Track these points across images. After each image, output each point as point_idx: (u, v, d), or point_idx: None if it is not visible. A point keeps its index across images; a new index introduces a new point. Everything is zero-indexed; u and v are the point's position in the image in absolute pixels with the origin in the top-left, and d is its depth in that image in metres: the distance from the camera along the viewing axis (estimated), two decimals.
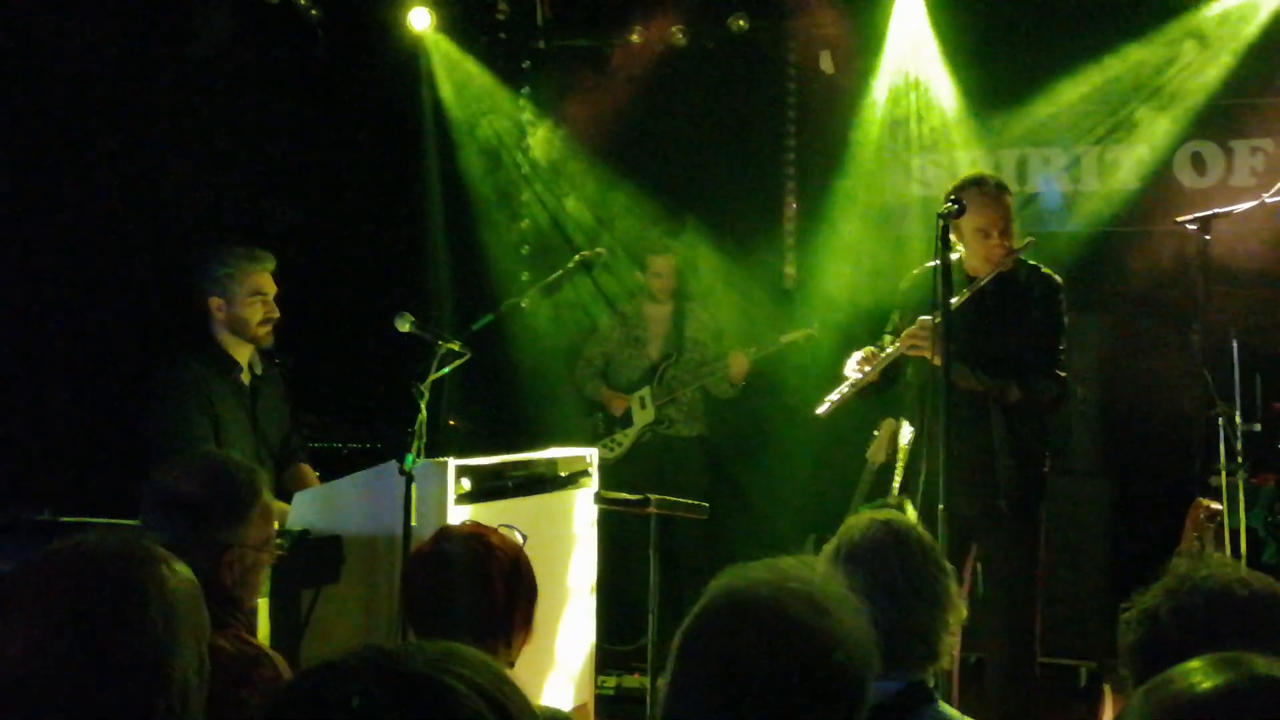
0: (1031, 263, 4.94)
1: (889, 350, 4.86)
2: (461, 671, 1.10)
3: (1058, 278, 4.93)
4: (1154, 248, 6.88)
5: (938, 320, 4.39)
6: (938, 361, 4.49)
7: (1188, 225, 5.37)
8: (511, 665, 2.84)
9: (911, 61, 7.32)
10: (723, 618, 1.72)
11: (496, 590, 2.77)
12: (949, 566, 2.67)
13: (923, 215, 5.55)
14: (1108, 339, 6.93)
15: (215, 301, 4.73)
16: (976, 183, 4.86)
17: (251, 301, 4.73)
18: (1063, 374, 4.87)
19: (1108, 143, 7.12)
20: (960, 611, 2.64)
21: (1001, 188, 4.89)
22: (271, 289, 4.79)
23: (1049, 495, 4.96)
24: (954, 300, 4.55)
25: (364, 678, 1.07)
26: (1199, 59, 6.82)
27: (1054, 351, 4.85)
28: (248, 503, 2.83)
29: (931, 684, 2.54)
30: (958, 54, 7.22)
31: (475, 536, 2.87)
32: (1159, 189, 7.01)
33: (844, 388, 4.92)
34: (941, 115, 7.33)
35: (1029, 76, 7.15)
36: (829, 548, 2.66)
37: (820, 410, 5.04)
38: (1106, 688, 5.69)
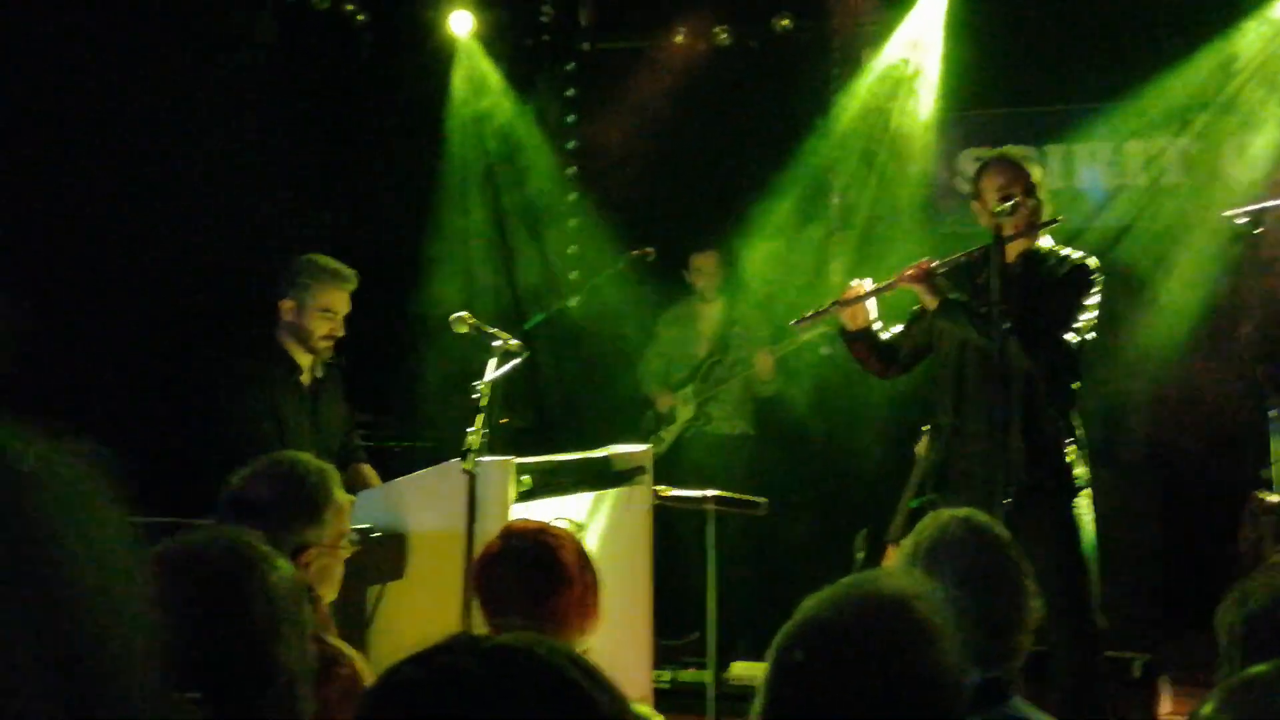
0: (1066, 249, 4.90)
1: (883, 283, 4.87)
2: (544, 642, 1.14)
3: (1091, 259, 4.82)
4: (1203, 241, 6.87)
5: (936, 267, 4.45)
6: (929, 302, 4.60)
7: (1237, 218, 5.37)
8: (587, 652, 2.91)
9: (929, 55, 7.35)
10: (814, 646, 1.71)
11: (570, 579, 2.85)
12: (1027, 566, 2.69)
13: (966, 212, 5.57)
14: (1157, 332, 6.92)
15: (287, 304, 4.81)
16: (998, 154, 4.91)
17: (321, 316, 4.80)
18: (1072, 342, 4.66)
19: (1154, 136, 7.10)
20: (1037, 611, 2.65)
21: (1024, 156, 4.89)
22: (344, 309, 4.86)
23: (1091, 486, 4.84)
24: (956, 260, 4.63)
25: (455, 656, 1.11)
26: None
27: (1064, 320, 4.67)
28: (321, 503, 2.89)
29: (1008, 680, 2.56)
30: (1000, 48, 7.23)
31: (541, 530, 2.95)
32: (1206, 182, 6.99)
33: (826, 306, 4.95)
34: (977, 112, 7.36)
35: (1074, 70, 7.15)
36: (907, 544, 2.69)
37: (795, 324, 5.13)
38: (1161, 680, 5.70)
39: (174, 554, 1.79)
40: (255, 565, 1.78)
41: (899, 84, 7.46)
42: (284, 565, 1.85)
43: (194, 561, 1.77)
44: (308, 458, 2.99)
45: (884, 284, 4.89)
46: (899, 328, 4.99)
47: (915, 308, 4.89)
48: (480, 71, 7.78)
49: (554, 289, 7.59)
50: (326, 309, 4.82)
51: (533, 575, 2.85)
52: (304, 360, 4.88)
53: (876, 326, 4.93)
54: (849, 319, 4.91)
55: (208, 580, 1.74)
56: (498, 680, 1.07)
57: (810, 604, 1.77)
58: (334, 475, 2.96)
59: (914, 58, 7.41)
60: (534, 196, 8.05)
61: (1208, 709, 1.32)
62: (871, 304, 4.89)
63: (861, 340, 4.93)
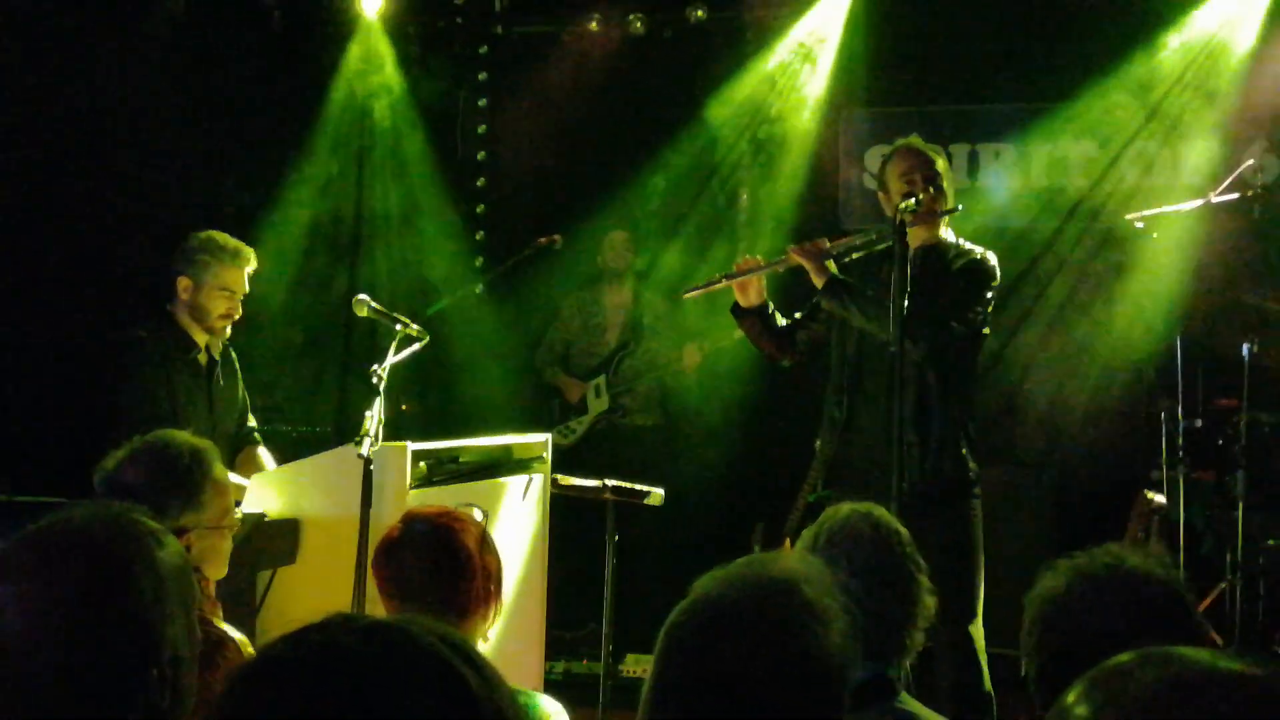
0: (967, 245, 4.93)
1: (774, 259, 4.90)
2: (419, 623, 1.14)
3: (990, 255, 4.84)
4: (1103, 243, 6.99)
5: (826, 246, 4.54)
6: (817, 280, 4.67)
7: (1136, 222, 5.47)
8: (487, 640, 2.88)
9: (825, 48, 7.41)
10: (705, 623, 1.73)
11: (472, 566, 2.81)
12: (923, 564, 2.72)
13: (875, 208, 5.60)
14: (1051, 332, 7.04)
15: (184, 282, 4.71)
16: (903, 144, 4.95)
17: (219, 294, 4.72)
18: (956, 330, 4.67)
19: (1058, 138, 7.21)
20: (930, 609, 2.68)
21: (929, 146, 4.93)
22: (242, 288, 4.78)
23: (980, 483, 4.87)
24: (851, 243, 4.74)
25: (335, 631, 1.10)
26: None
27: (953, 310, 4.70)
28: (197, 483, 2.84)
29: (896, 676, 2.58)
30: (908, 45, 7.29)
31: (444, 514, 2.91)
32: (1107, 186, 7.10)
33: (717, 278, 4.98)
34: (888, 109, 7.42)
35: (979, 70, 7.24)
36: (808, 533, 2.70)
37: (685, 293, 5.17)
38: None
39: (57, 529, 1.74)
40: (142, 540, 1.75)
41: (790, 76, 7.51)
42: (171, 542, 1.81)
43: (78, 537, 1.73)
44: (183, 436, 2.92)
45: (774, 260, 4.91)
46: (799, 315, 5.01)
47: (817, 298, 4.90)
48: (375, 51, 7.67)
49: (458, 275, 7.51)
50: (225, 287, 4.73)
51: (434, 562, 2.81)
52: (201, 339, 4.79)
53: (772, 310, 4.96)
54: (740, 295, 4.92)
55: (92, 556, 1.71)
56: (371, 657, 1.08)
57: (703, 582, 1.79)
58: (211, 453, 2.90)
59: (811, 50, 7.46)
60: (440, 180, 7.96)
61: (1070, 698, 1.33)
62: (763, 285, 4.91)
63: (754, 318, 4.94)
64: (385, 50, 7.68)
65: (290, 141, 7.52)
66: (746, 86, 7.65)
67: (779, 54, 7.54)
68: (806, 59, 7.50)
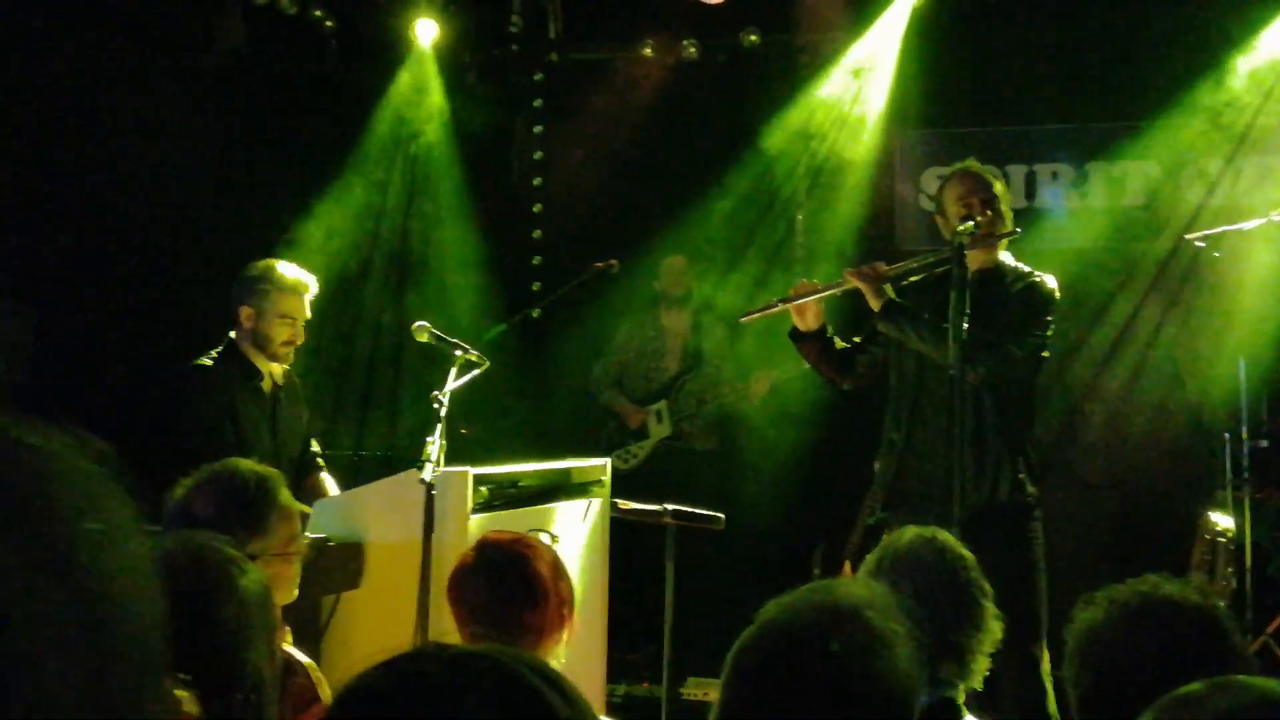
0: (1027, 268, 4.92)
1: (832, 283, 4.91)
2: (508, 652, 1.15)
3: (1050, 279, 4.83)
4: (1165, 263, 6.92)
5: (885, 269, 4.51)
6: (874, 303, 4.67)
7: (1197, 241, 5.43)
8: (560, 661, 2.90)
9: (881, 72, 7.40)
10: (771, 650, 1.74)
11: (545, 592, 2.83)
12: (989, 588, 2.70)
13: (932, 230, 5.59)
14: (1112, 353, 6.98)
15: (246, 311, 4.77)
16: (960, 168, 4.94)
17: (281, 322, 4.77)
18: (1015, 354, 4.67)
19: (1117, 159, 7.16)
20: (996, 634, 2.66)
21: (986, 170, 4.92)
22: (304, 315, 4.83)
23: (1040, 505, 4.85)
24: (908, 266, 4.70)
25: (420, 664, 1.12)
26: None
27: (1012, 333, 4.68)
28: (264, 513, 2.87)
29: (961, 700, 2.57)
30: (963, 67, 7.27)
31: (517, 541, 2.93)
32: (1167, 205, 7.04)
33: (774, 302, 4.99)
34: (943, 130, 7.40)
35: (1035, 90, 7.21)
36: (871, 559, 2.70)
37: (743, 319, 5.20)
38: None
39: None
40: (225, 569, 1.79)
41: (844, 99, 7.50)
42: (253, 570, 1.86)
43: (164, 565, 1.76)
44: (248, 465, 2.95)
45: (832, 284, 4.91)
46: (858, 338, 5.01)
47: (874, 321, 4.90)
48: (427, 79, 7.73)
49: (516, 300, 7.56)
50: (286, 314, 4.79)
51: (508, 589, 2.83)
52: (265, 366, 4.85)
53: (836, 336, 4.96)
54: (798, 318, 4.91)
55: (179, 583, 1.74)
56: (460, 686, 1.09)
57: (768, 609, 1.80)
58: (276, 480, 2.93)
59: (868, 74, 7.45)
60: (498, 206, 8.01)
61: None
62: (821, 309, 4.91)
63: (811, 343, 4.94)
64: (436, 78, 7.75)
65: (343, 169, 7.60)
66: (801, 110, 7.65)
67: (833, 77, 7.54)
68: (861, 82, 7.49)
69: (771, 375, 7.08)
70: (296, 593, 2.97)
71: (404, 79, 7.70)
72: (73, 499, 0.94)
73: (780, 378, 7.08)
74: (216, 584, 1.75)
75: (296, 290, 4.80)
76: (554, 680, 1.14)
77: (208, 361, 4.77)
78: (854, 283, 4.78)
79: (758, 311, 5.06)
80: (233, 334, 4.84)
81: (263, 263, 4.88)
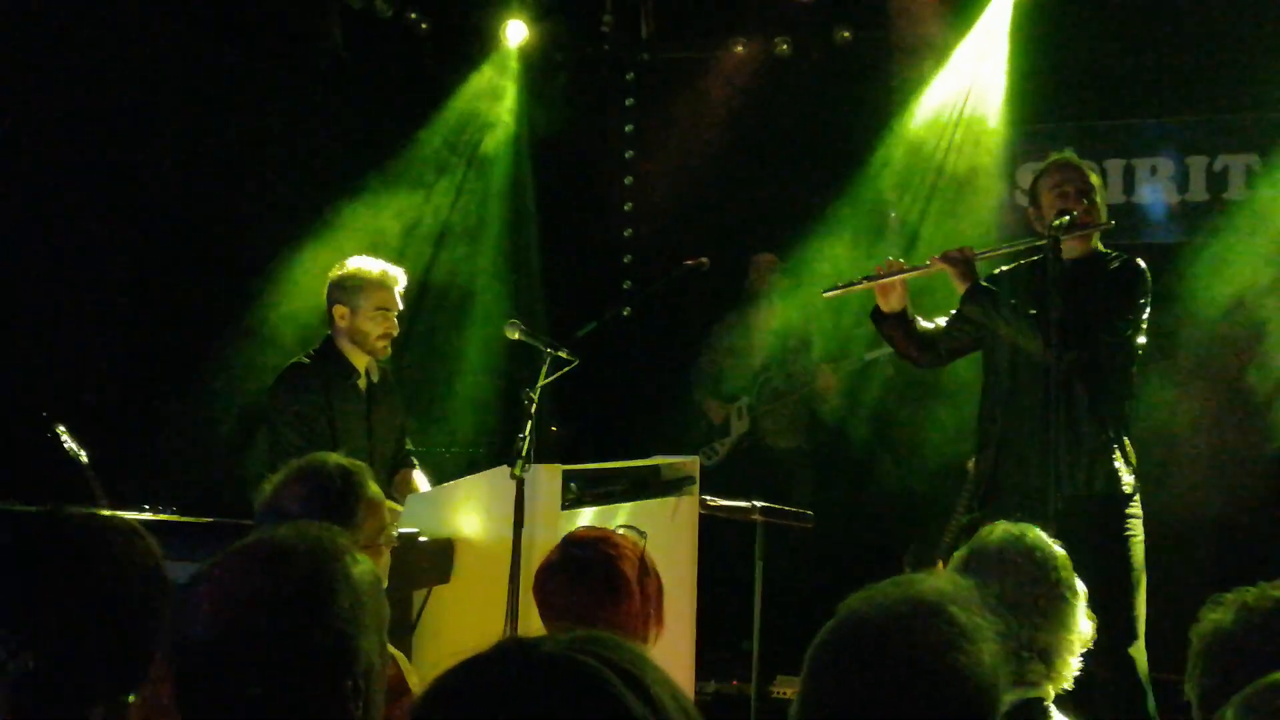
0: (1119, 254, 4.83)
1: (920, 263, 4.84)
2: (595, 650, 1.17)
3: (1140, 260, 4.74)
4: (1266, 258, 6.76)
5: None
6: (959, 285, 4.62)
7: None
8: None
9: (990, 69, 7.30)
10: (852, 643, 1.73)
11: (631, 588, 2.84)
12: (1081, 588, 2.66)
13: (1026, 226, 5.51)
14: (1217, 351, 6.82)
15: (340, 310, 4.84)
16: (1056, 159, 4.88)
17: (375, 315, 4.83)
18: (1107, 340, 4.59)
19: (1217, 152, 7.01)
20: (1086, 635, 2.62)
21: (1079, 162, 4.85)
22: (396, 306, 4.89)
23: (1139, 501, 4.76)
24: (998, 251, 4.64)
25: (502, 664, 1.13)
26: None
27: (1103, 318, 4.60)
28: (352, 506, 2.89)
29: (1050, 700, 2.53)
30: (1056, 60, 7.16)
31: (602, 539, 2.94)
32: (1268, 199, 6.88)
33: (859, 279, 4.92)
34: (1040, 125, 7.29)
35: (1133, 84, 7.09)
36: (959, 555, 2.67)
37: (826, 293, 5.06)
38: None
39: (265, 544, 1.84)
40: (339, 558, 1.83)
41: (944, 98, 7.42)
42: (365, 561, 1.90)
43: (282, 553, 1.81)
44: (335, 458, 2.98)
45: (920, 265, 4.85)
46: (943, 320, 4.95)
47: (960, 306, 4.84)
48: (498, 81, 7.77)
49: (607, 297, 7.59)
50: (380, 307, 4.85)
51: (591, 586, 2.84)
52: (361, 363, 4.91)
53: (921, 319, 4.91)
54: (882, 299, 4.87)
55: (298, 570, 1.80)
56: (538, 689, 1.11)
57: (849, 602, 1.79)
58: (363, 473, 2.95)
59: (978, 72, 7.36)
60: (589, 204, 8.03)
61: (1229, 714, 1.31)
62: (905, 290, 4.86)
63: (894, 323, 4.89)
64: (514, 78, 7.78)
65: (441, 168, 7.67)
66: (895, 107, 7.60)
67: (927, 74, 7.47)
68: (956, 79, 7.41)
69: (837, 368, 7.04)
70: (387, 582, 2.99)
71: (484, 77, 7.73)
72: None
73: (843, 371, 7.04)
74: (332, 573, 1.80)
75: (385, 283, 4.86)
76: (636, 678, 1.14)
77: (305, 360, 4.85)
78: (940, 265, 4.72)
79: (841, 287, 4.98)
80: (329, 332, 4.91)
81: (351, 261, 4.95)
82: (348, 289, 4.84)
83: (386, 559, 2.99)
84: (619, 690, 1.12)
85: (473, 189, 7.73)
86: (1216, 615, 2.15)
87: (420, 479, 5.08)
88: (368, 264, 4.92)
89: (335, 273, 4.91)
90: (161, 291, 6.24)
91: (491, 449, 7.03)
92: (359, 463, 3.00)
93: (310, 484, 2.86)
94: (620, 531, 3.01)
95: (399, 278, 4.92)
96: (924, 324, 4.94)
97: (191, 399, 6.24)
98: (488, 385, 7.48)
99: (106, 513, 2.19)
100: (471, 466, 5.83)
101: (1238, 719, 1.30)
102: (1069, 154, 4.88)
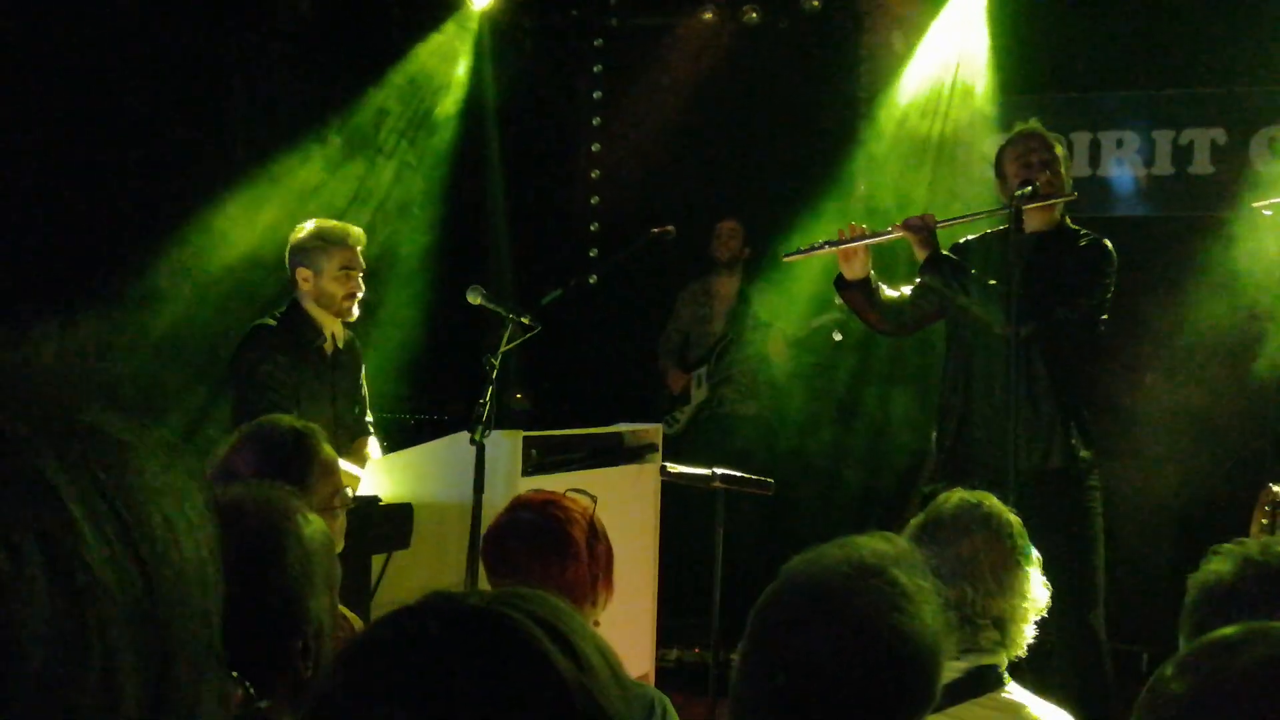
0: (1084, 231, 4.84)
1: (881, 230, 4.83)
2: (520, 604, 1.14)
3: (1106, 241, 4.76)
4: (1228, 233, 6.79)
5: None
6: (920, 252, 4.62)
7: (1264, 210, 5.32)
8: (597, 624, 2.89)
9: (965, 40, 7.28)
10: (794, 604, 1.74)
11: (579, 552, 2.83)
12: (1035, 555, 2.67)
13: (992, 199, 5.50)
14: (1180, 325, 6.86)
15: (303, 273, 4.79)
16: (1021, 129, 4.89)
17: (339, 275, 4.78)
18: (1063, 316, 4.59)
19: (1183, 126, 7.03)
20: (1040, 602, 2.63)
21: (1044, 132, 4.85)
22: (360, 265, 4.84)
23: (1096, 470, 4.76)
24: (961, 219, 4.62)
25: (425, 616, 1.12)
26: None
27: (1063, 295, 4.62)
28: (304, 468, 2.86)
29: (1004, 668, 2.54)
30: (1025, 31, 7.15)
31: (550, 502, 2.92)
32: (1234, 174, 6.91)
33: (820, 244, 4.88)
34: (995, 95, 7.29)
35: (1099, 56, 7.09)
36: (915, 522, 2.67)
37: (786, 258, 5.05)
38: None
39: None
40: (290, 517, 1.82)
41: (905, 63, 7.41)
42: (316, 521, 1.88)
43: (232, 511, 1.80)
44: (286, 420, 2.95)
45: (881, 231, 4.84)
46: (908, 289, 4.94)
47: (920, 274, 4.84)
48: (456, 43, 7.69)
49: (572, 265, 7.56)
50: (345, 266, 4.80)
51: (539, 548, 2.83)
52: (328, 327, 4.86)
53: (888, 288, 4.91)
54: (845, 265, 4.85)
55: (246, 529, 1.78)
56: (458, 644, 1.09)
57: (793, 563, 1.80)
58: (316, 434, 2.92)
59: (946, 44, 7.35)
60: (554, 170, 7.98)
61: (1169, 670, 1.31)
62: (869, 257, 4.85)
63: (857, 291, 4.88)
64: (474, 39, 7.70)
65: (407, 133, 7.61)
66: (861, 76, 7.59)
67: (894, 43, 7.46)
68: (922, 46, 7.40)
69: (785, 333, 7.06)
70: (343, 544, 2.97)
71: (442, 38, 7.64)
72: (152, 479, 0.95)
73: (792, 338, 7.06)
74: (283, 531, 1.79)
75: (348, 242, 4.82)
76: (565, 637, 1.13)
77: (270, 321, 4.80)
78: (903, 232, 4.72)
79: (802, 251, 4.96)
80: (294, 295, 4.86)
81: (308, 224, 4.89)
82: (309, 251, 4.79)
83: (342, 521, 2.97)
84: (542, 643, 1.11)
85: (422, 151, 7.65)
86: (1215, 565, 2.14)
87: (374, 448, 5.05)
88: (326, 225, 4.87)
89: (295, 236, 4.85)
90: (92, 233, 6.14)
91: (453, 415, 7.00)
92: (312, 424, 2.98)
93: (262, 446, 2.83)
94: (570, 495, 3.00)
95: (361, 236, 4.88)
96: (889, 292, 4.93)
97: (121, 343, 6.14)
98: (448, 351, 7.44)
99: None
100: (432, 432, 5.80)
101: (1180, 677, 1.29)
102: (1034, 124, 4.89)
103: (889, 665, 1.67)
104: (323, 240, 4.79)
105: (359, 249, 4.86)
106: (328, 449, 2.92)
